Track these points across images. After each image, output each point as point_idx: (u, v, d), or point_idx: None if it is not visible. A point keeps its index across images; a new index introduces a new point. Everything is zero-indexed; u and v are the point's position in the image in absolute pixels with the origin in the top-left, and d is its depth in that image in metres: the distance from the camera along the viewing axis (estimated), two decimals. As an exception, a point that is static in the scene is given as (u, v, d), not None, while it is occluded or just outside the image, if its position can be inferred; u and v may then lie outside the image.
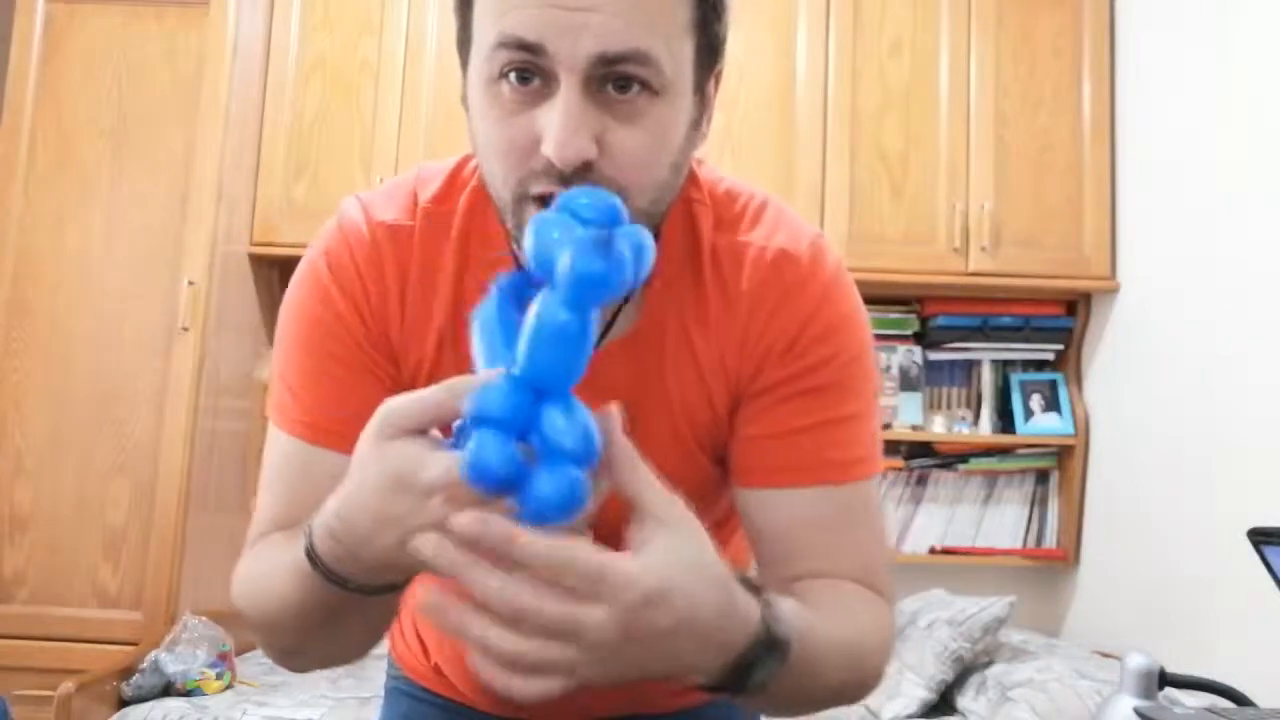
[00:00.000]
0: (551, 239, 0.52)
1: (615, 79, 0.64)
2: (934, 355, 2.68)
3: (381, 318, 0.76)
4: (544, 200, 0.64)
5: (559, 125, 0.62)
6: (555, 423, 0.51)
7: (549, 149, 0.62)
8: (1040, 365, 2.71)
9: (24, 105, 2.42)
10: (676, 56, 0.66)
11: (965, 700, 2.10)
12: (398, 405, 0.55)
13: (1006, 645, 2.22)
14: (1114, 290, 2.49)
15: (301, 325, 0.77)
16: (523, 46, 0.63)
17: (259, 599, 0.70)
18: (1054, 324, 2.65)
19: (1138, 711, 0.94)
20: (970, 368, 2.70)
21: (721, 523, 0.84)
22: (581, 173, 0.63)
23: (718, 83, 0.75)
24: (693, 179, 0.79)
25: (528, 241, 0.53)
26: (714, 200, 0.79)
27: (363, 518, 0.56)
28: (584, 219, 0.53)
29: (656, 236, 0.70)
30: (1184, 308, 2.21)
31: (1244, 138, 2.04)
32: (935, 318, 2.62)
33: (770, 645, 0.59)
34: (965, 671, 2.15)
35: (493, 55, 0.65)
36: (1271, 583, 0.91)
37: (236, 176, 2.47)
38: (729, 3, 0.72)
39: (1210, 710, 0.90)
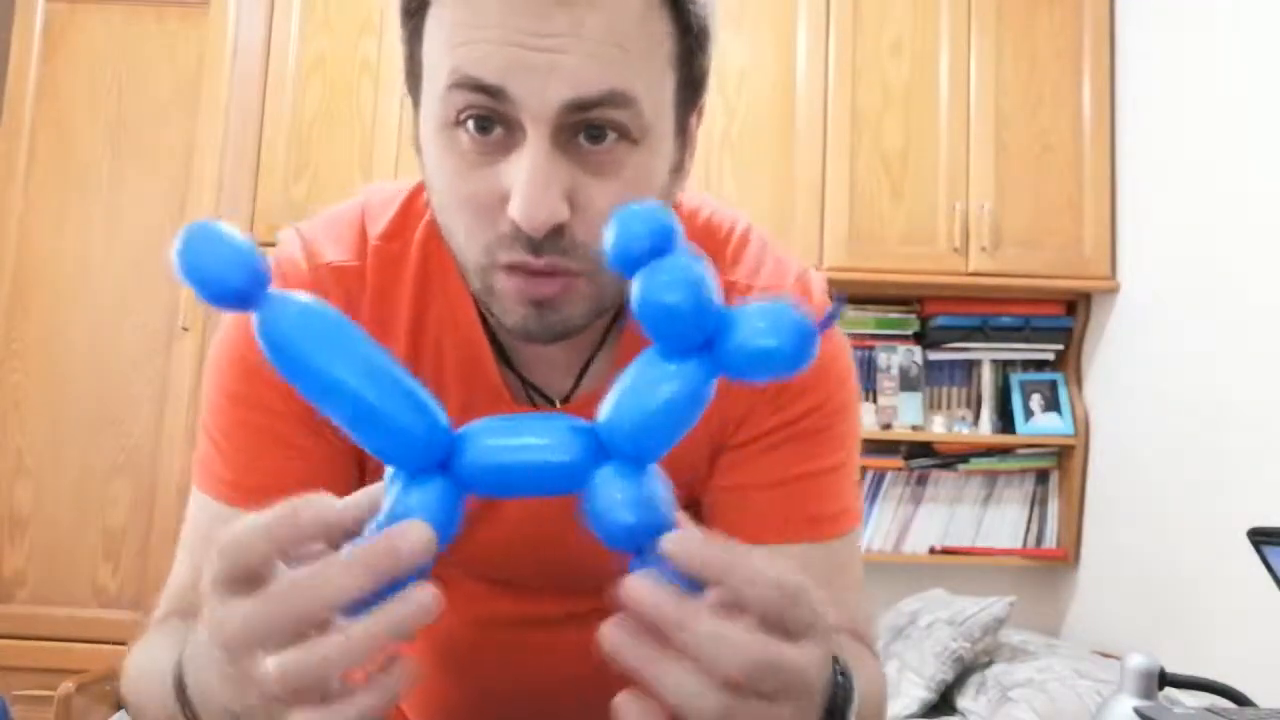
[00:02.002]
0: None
1: (588, 126, 0.57)
2: (934, 355, 2.68)
3: None
4: (514, 268, 0.59)
5: (526, 185, 0.55)
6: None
7: (516, 213, 0.56)
8: (1040, 365, 2.71)
9: (24, 105, 2.42)
10: (656, 96, 0.59)
11: (965, 700, 2.10)
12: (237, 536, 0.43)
13: (1006, 645, 2.22)
14: (1114, 290, 2.49)
15: (230, 374, 0.69)
16: (482, 89, 0.55)
17: (140, 701, 0.61)
18: (1054, 324, 2.65)
19: (1138, 711, 0.94)
20: (970, 368, 2.70)
21: None
22: (552, 237, 0.57)
23: (700, 118, 0.68)
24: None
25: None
26: (694, 235, 0.72)
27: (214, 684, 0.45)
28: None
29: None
30: (1184, 308, 2.21)
31: (1244, 138, 2.04)
32: (935, 318, 2.62)
33: (848, 692, 0.54)
34: (965, 671, 2.15)
35: (447, 97, 0.57)
36: (1271, 583, 0.91)
37: (236, 176, 2.47)
38: (712, 33, 0.64)
39: (1210, 710, 0.90)
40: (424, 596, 0.41)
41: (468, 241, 0.60)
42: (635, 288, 0.42)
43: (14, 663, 2.23)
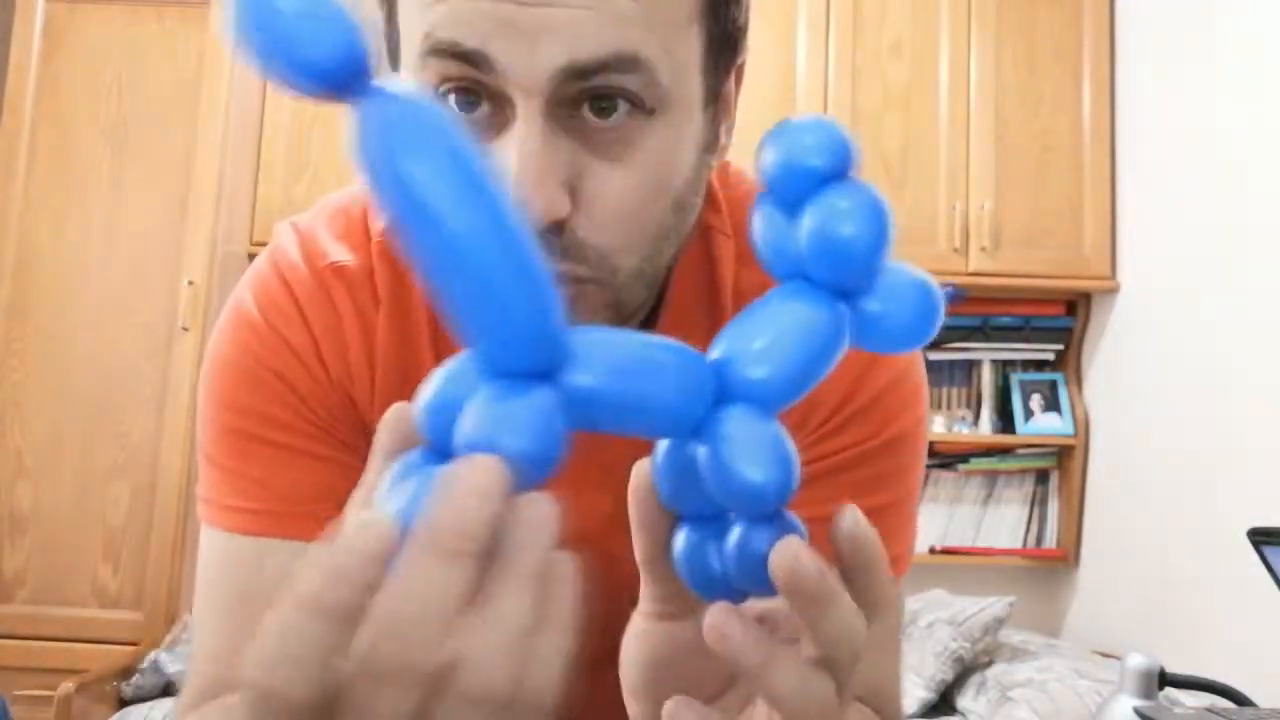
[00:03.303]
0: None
1: (593, 96, 0.47)
2: (934, 355, 2.68)
3: (342, 376, 0.58)
4: None
5: (516, 175, 0.46)
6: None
7: None
8: (1040, 365, 2.71)
9: (24, 105, 2.42)
10: (677, 58, 0.49)
11: (965, 700, 2.10)
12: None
13: (1006, 645, 2.22)
14: (1114, 290, 2.49)
15: (229, 386, 0.59)
16: (459, 56, 0.46)
17: None
18: (1054, 324, 2.65)
19: (1138, 711, 0.94)
20: (970, 368, 2.70)
21: None
22: (550, 236, 0.48)
23: (739, 80, 0.58)
24: (711, 199, 0.62)
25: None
26: (739, 225, 0.61)
27: None
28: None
29: (665, 282, 0.59)
30: (1184, 308, 2.21)
31: (1244, 138, 2.04)
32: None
33: None
34: (965, 671, 2.15)
35: (422, 65, 0.47)
36: (1271, 583, 0.91)
37: (236, 176, 2.47)
38: None
39: (1210, 710, 0.90)
40: (541, 507, 0.31)
41: None
42: (810, 214, 0.37)
43: (14, 663, 2.23)
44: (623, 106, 0.48)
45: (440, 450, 0.33)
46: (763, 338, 0.37)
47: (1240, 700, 1.01)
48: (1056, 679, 1.98)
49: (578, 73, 0.46)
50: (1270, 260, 1.94)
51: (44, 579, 2.31)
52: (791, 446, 0.36)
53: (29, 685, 2.15)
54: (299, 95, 0.31)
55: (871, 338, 0.38)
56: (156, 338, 2.37)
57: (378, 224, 0.61)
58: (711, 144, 0.56)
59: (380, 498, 0.33)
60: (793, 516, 0.39)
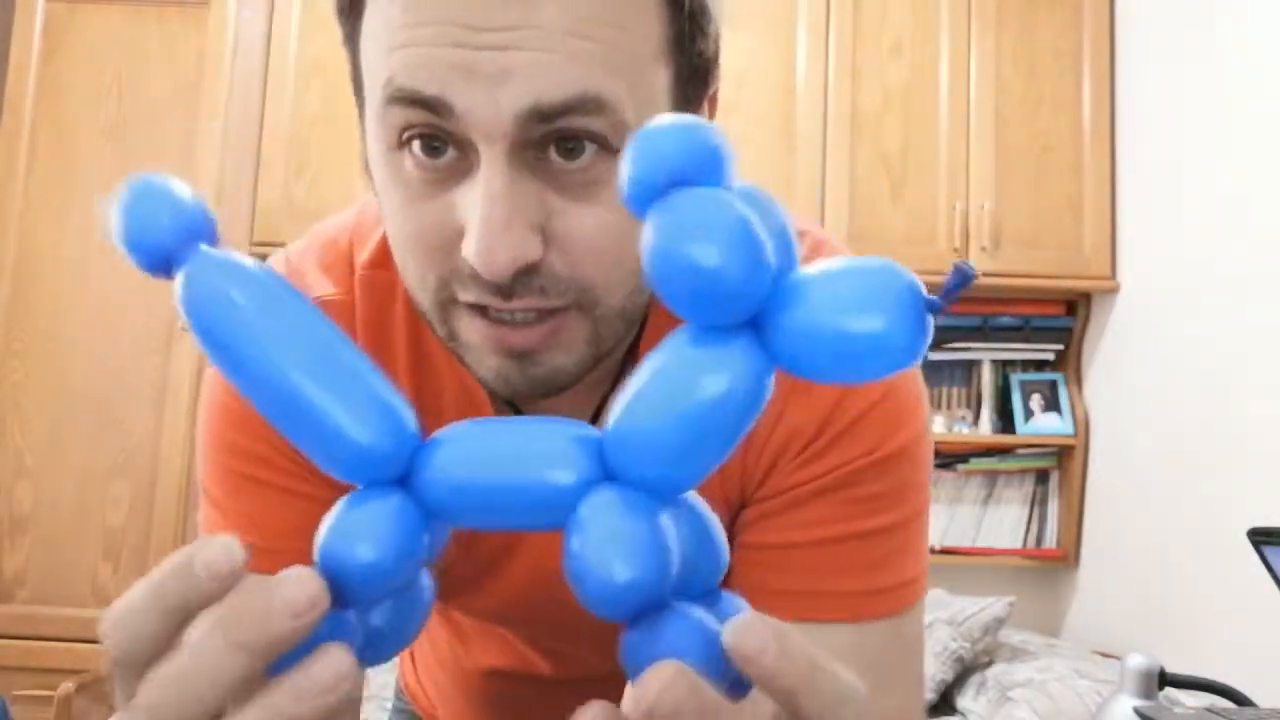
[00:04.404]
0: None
1: (558, 139, 0.46)
2: (934, 355, 2.68)
3: None
4: (478, 309, 0.48)
5: (481, 223, 0.45)
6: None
7: (472, 257, 0.45)
8: (1040, 365, 2.71)
9: (24, 105, 2.42)
10: (645, 95, 0.48)
11: (965, 700, 2.10)
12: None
13: (1006, 645, 2.22)
14: (1114, 290, 2.49)
15: (217, 424, 0.61)
16: (421, 103, 0.45)
17: None
18: (1054, 324, 2.65)
19: (1138, 711, 0.94)
20: (970, 368, 2.70)
21: None
22: (524, 276, 0.47)
23: (713, 108, 0.57)
24: None
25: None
26: None
27: None
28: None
29: (645, 319, 0.58)
30: (1184, 308, 2.21)
31: (1244, 138, 2.04)
32: (935, 318, 2.62)
33: None
34: (965, 671, 2.15)
35: (385, 114, 0.47)
36: (1271, 583, 0.91)
37: (236, 177, 2.47)
38: (713, 10, 0.53)
39: (1210, 710, 0.90)
40: (333, 663, 0.30)
41: (421, 280, 0.50)
42: (646, 234, 0.30)
43: (14, 663, 2.23)
44: (590, 148, 0.47)
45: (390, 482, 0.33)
46: (645, 401, 0.31)
47: (1240, 700, 1.01)
48: (1056, 679, 1.98)
49: (541, 116, 0.45)
50: (1270, 260, 1.94)
51: (44, 579, 2.31)
52: (665, 538, 0.31)
53: (29, 685, 2.15)
54: (148, 272, 0.33)
55: (814, 359, 0.30)
56: (156, 338, 2.37)
57: (361, 256, 0.61)
58: None
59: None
60: (730, 598, 0.35)
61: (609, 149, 0.47)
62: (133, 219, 0.32)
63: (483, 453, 0.33)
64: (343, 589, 0.32)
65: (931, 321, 0.30)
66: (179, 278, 0.33)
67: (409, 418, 0.33)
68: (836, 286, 0.29)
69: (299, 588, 0.30)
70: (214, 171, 2.40)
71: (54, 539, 2.32)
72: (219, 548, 0.31)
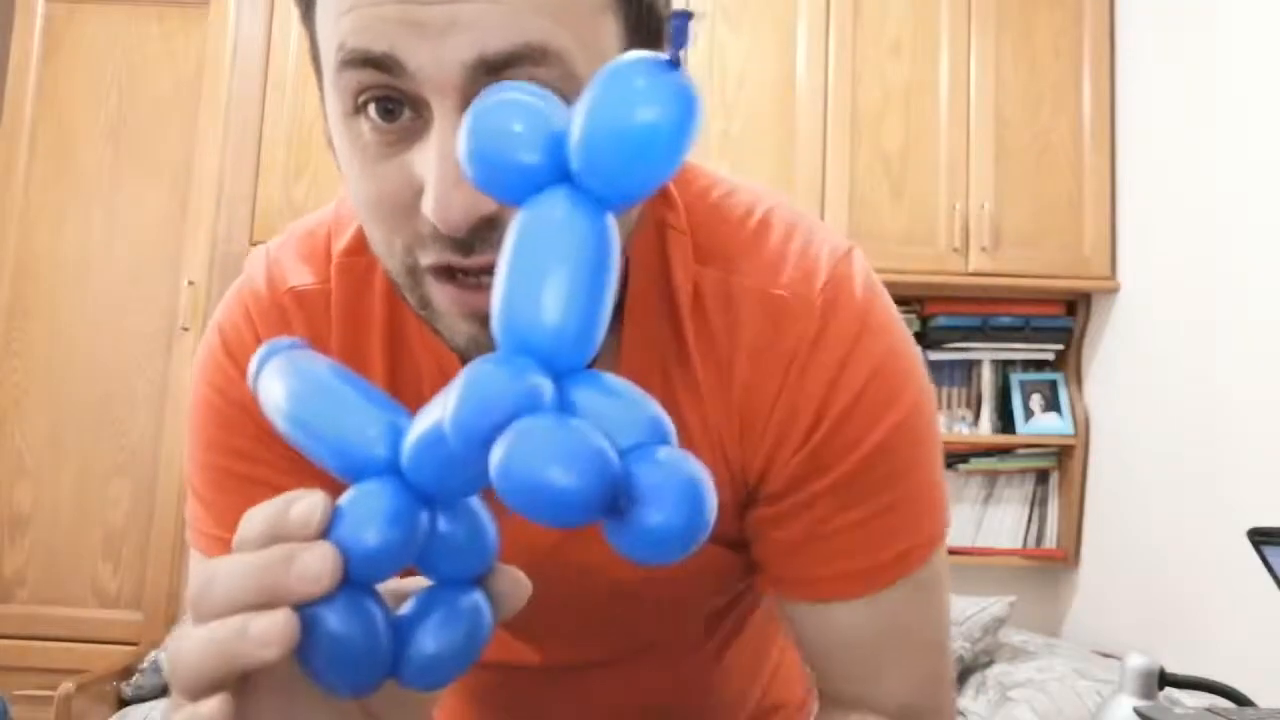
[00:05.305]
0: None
1: None
2: (934, 355, 2.68)
3: None
4: (443, 272, 0.49)
5: (436, 174, 0.45)
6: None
7: (429, 211, 0.46)
8: (1040, 365, 2.71)
9: (24, 105, 2.42)
10: (592, 47, 0.48)
11: (965, 700, 2.10)
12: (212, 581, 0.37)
13: (1006, 645, 2.22)
14: (1114, 290, 2.49)
15: (203, 422, 0.62)
16: (370, 62, 0.46)
17: None
18: (1054, 324, 2.64)
19: (1138, 711, 0.94)
20: (970, 368, 2.70)
21: (749, 611, 0.73)
22: (482, 231, 0.47)
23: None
24: (665, 195, 0.60)
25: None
26: (696, 222, 0.60)
27: None
28: None
29: (622, 279, 0.58)
30: (1184, 308, 2.21)
31: (1244, 137, 2.04)
32: (935, 318, 2.62)
33: None
34: (965, 671, 2.15)
35: (339, 79, 0.48)
36: (1271, 583, 0.91)
37: (236, 176, 2.47)
38: None
39: (1210, 710, 0.90)
40: (314, 560, 0.35)
41: (387, 246, 0.51)
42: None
43: (14, 663, 2.23)
44: None
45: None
46: (520, 284, 0.34)
47: (1240, 700, 1.01)
48: (1056, 679, 1.98)
49: (488, 67, 0.45)
50: (1270, 260, 1.94)
51: (44, 579, 2.31)
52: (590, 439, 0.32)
53: (29, 685, 2.15)
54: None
55: (618, 190, 0.34)
56: (156, 338, 2.37)
57: (338, 245, 0.62)
58: None
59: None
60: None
61: (561, 97, 0.47)
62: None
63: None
64: (356, 567, 0.35)
65: (685, 80, 0.32)
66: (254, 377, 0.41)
67: (400, 418, 0.38)
68: (600, 111, 0.33)
69: (319, 558, 0.35)
70: (214, 171, 2.40)
71: (54, 539, 2.32)
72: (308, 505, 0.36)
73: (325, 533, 0.36)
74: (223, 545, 0.60)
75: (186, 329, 2.36)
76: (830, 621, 0.61)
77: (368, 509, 0.36)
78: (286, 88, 2.56)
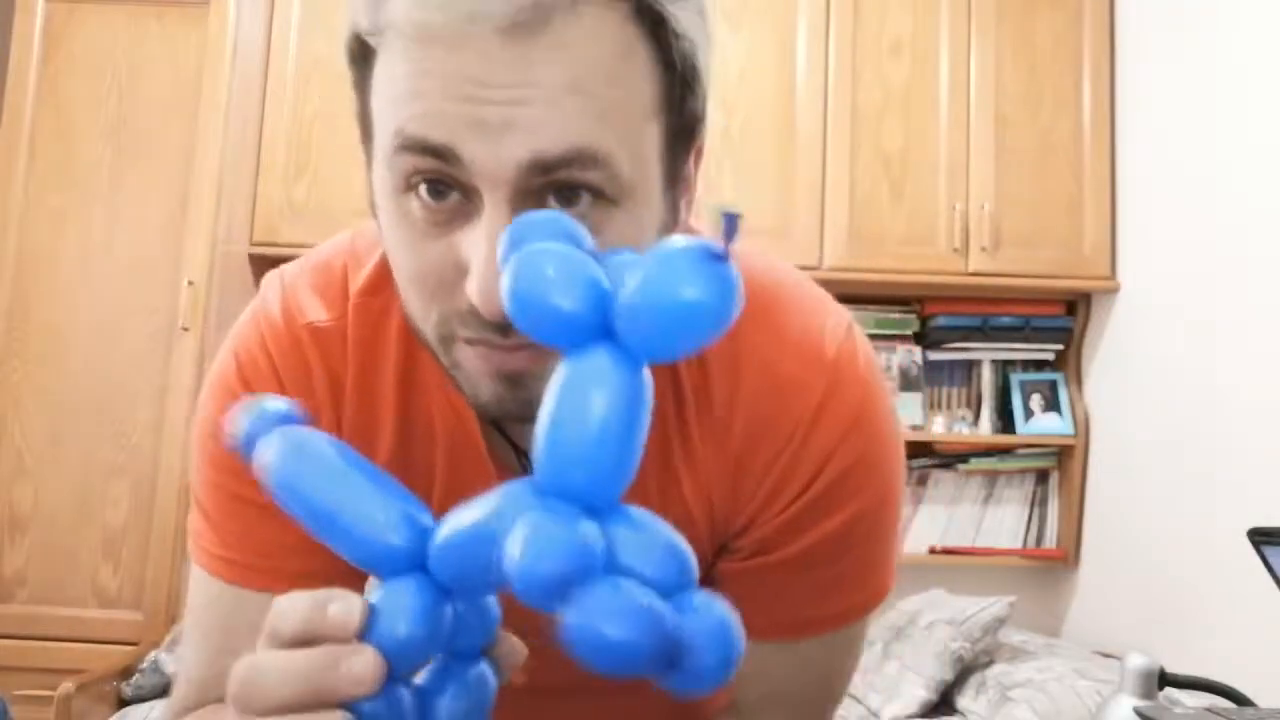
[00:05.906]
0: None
1: (557, 188, 0.49)
2: (934, 355, 2.68)
3: None
4: (477, 342, 0.52)
5: (484, 264, 0.47)
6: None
7: (474, 296, 0.48)
8: (1040, 365, 2.71)
9: (24, 105, 2.42)
10: (638, 151, 0.51)
11: (965, 700, 2.10)
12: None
13: (1006, 645, 2.22)
14: (1114, 290, 2.49)
15: (209, 443, 0.64)
16: (429, 151, 0.49)
17: None
18: (1054, 324, 2.65)
19: (1138, 711, 0.94)
20: (970, 368, 2.70)
21: None
22: None
23: (699, 159, 0.59)
24: None
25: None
26: None
27: None
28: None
29: None
30: (1184, 308, 2.21)
31: (1244, 137, 2.04)
32: (935, 318, 2.62)
33: None
34: (965, 671, 2.15)
35: (394, 161, 0.50)
36: (1271, 583, 0.91)
37: (236, 176, 2.47)
38: (703, 69, 0.55)
39: (1210, 710, 0.90)
40: (360, 665, 0.38)
41: (424, 314, 0.53)
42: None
43: (14, 663, 2.23)
44: (586, 197, 0.50)
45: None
46: (557, 430, 0.38)
47: (1240, 700, 1.01)
48: (1056, 679, 1.98)
49: (541, 167, 0.48)
50: (1270, 260, 1.94)
51: (44, 579, 2.31)
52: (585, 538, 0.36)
53: (29, 685, 2.15)
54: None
55: (654, 351, 0.37)
56: (156, 338, 2.37)
57: (355, 283, 0.64)
58: (670, 224, 0.57)
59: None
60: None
61: (604, 198, 0.50)
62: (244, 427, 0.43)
63: (469, 530, 0.40)
64: (391, 661, 0.39)
65: (730, 270, 0.36)
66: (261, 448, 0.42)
67: (424, 514, 0.41)
68: (651, 285, 0.36)
69: (365, 664, 0.38)
70: (214, 171, 2.40)
71: (54, 539, 2.32)
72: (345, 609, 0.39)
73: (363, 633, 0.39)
74: (226, 566, 0.63)
75: (186, 329, 2.36)
76: (754, 655, 0.63)
77: (400, 607, 0.39)
78: (286, 87, 2.56)
